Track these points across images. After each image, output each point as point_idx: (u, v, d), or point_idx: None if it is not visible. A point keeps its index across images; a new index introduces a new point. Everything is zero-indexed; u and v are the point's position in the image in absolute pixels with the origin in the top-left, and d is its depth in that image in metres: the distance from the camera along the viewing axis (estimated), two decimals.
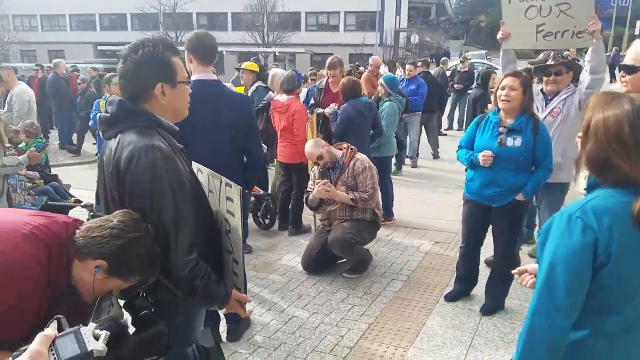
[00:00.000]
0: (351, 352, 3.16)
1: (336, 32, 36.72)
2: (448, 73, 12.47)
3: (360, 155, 4.20)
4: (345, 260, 4.32)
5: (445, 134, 11.39)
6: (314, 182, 4.28)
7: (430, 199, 6.52)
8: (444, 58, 13.50)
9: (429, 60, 12.40)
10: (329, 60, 5.57)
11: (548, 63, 3.72)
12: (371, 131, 4.99)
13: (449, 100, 11.66)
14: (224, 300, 1.78)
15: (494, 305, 3.56)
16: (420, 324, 3.47)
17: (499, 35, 3.80)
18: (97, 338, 1.13)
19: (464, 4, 53.34)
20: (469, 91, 11.94)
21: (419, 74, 8.34)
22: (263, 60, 21.20)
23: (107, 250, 1.48)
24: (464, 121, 11.87)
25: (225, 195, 1.85)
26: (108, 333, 1.17)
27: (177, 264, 1.61)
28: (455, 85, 11.50)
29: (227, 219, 1.86)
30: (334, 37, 35.78)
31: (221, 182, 1.88)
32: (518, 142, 3.24)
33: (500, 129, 3.28)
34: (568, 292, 1.36)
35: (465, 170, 3.63)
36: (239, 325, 3.34)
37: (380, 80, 5.74)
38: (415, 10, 51.36)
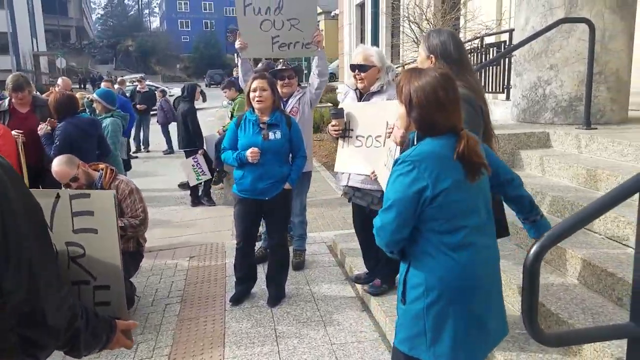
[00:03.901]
0: None
1: None
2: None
3: (123, 177, 3.61)
4: None
5: (137, 157, 10.92)
6: None
7: (160, 219, 6.17)
8: (120, 78, 12.88)
9: (79, 86, 11.64)
10: (13, 80, 4.44)
11: (280, 68, 4.14)
12: (97, 151, 4.37)
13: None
14: (109, 336, 1.30)
15: (278, 294, 3.71)
16: (221, 334, 3.31)
17: (237, 45, 3.98)
18: None
19: (107, 28, 51.81)
20: (151, 112, 11.87)
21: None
22: None
23: None
24: (149, 142, 11.71)
25: (69, 212, 1.37)
26: None
27: (54, 306, 1.09)
28: (138, 106, 11.17)
29: (74, 242, 1.38)
30: None
31: (57, 197, 1.37)
32: (278, 135, 3.50)
33: (261, 125, 3.47)
34: (397, 227, 1.75)
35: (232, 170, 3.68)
36: None
37: (94, 96, 5.08)
38: (52, 33, 46.70)
